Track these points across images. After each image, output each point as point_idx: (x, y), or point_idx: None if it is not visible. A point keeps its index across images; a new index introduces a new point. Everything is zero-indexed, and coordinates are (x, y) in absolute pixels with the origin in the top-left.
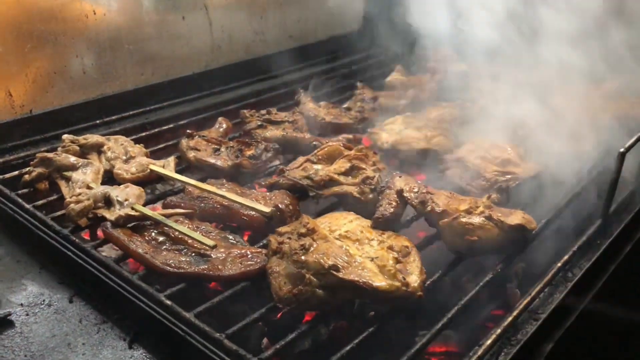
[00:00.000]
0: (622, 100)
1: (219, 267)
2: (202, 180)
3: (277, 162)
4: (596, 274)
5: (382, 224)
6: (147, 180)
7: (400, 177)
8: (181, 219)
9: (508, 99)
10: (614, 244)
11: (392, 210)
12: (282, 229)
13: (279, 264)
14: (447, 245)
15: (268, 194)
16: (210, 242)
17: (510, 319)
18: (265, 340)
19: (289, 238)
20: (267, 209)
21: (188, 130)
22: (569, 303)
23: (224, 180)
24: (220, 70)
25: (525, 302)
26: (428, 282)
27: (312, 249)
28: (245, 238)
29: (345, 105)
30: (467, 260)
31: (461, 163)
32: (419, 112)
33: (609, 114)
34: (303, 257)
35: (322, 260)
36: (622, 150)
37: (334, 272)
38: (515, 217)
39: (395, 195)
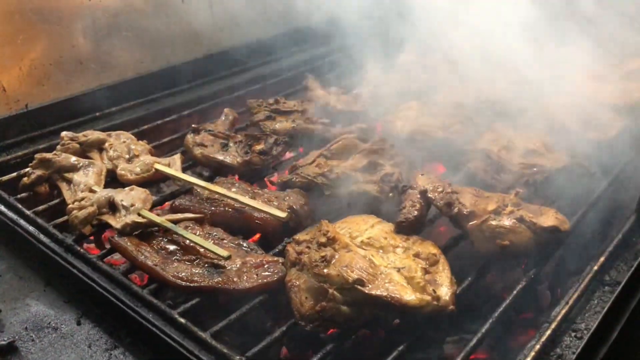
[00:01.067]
0: None
1: (235, 279)
2: (211, 178)
3: (289, 156)
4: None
5: (407, 229)
6: (153, 180)
7: (422, 174)
8: (191, 224)
9: (531, 81)
10: None
11: (416, 213)
12: (299, 237)
13: (299, 277)
14: (476, 248)
15: (281, 193)
16: (224, 253)
17: (548, 332)
18: (283, 350)
19: (308, 247)
20: (282, 214)
21: (193, 125)
22: (612, 313)
23: (235, 179)
24: (223, 54)
25: (563, 312)
26: (458, 290)
27: (333, 260)
28: (255, 240)
29: (355, 91)
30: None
31: (484, 154)
32: (435, 94)
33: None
34: (325, 270)
35: (345, 274)
36: None
37: (360, 287)
38: (548, 218)
39: (419, 196)
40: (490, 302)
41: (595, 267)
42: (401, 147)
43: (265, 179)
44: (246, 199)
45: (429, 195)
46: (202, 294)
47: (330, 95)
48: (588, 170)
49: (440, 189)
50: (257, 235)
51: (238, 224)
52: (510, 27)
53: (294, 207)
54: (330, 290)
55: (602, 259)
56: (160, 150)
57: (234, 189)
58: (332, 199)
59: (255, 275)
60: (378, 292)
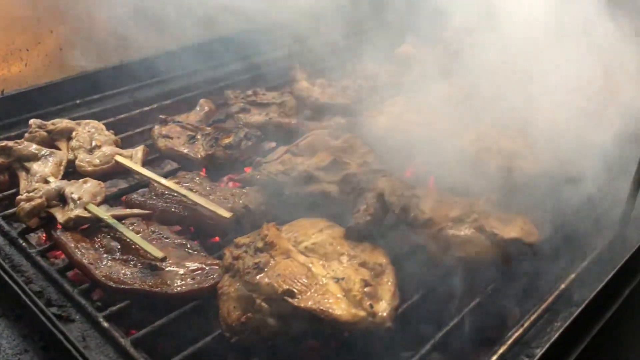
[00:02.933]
0: None
1: (168, 282)
2: (174, 172)
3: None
4: (608, 299)
5: (357, 235)
6: (114, 172)
7: (384, 176)
8: (137, 221)
9: (524, 78)
10: (634, 259)
11: (368, 218)
12: (240, 240)
13: (231, 283)
14: (433, 259)
15: (240, 190)
16: (159, 254)
17: (495, 358)
18: None
19: (246, 252)
20: (227, 214)
21: (161, 116)
22: (570, 336)
23: (196, 174)
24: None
25: (516, 335)
26: (405, 306)
27: (267, 267)
28: (217, 241)
29: (343, 84)
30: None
31: (462, 154)
32: (426, 90)
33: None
34: (256, 278)
35: (276, 284)
36: None
37: (288, 299)
38: (512, 229)
39: (375, 200)
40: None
41: (563, 286)
42: (379, 145)
43: (228, 176)
44: (195, 196)
45: (386, 198)
46: (136, 296)
47: (314, 88)
48: (574, 176)
49: (399, 192)
50: (217, 238)
51: (190, 223)
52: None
53: (250, 206)
54: (258, 301)
55: (572, 275)
56: (128, 143)
57: (192, 185)
58: (293, 198)
59: (191, 280)
60: (307, 305)
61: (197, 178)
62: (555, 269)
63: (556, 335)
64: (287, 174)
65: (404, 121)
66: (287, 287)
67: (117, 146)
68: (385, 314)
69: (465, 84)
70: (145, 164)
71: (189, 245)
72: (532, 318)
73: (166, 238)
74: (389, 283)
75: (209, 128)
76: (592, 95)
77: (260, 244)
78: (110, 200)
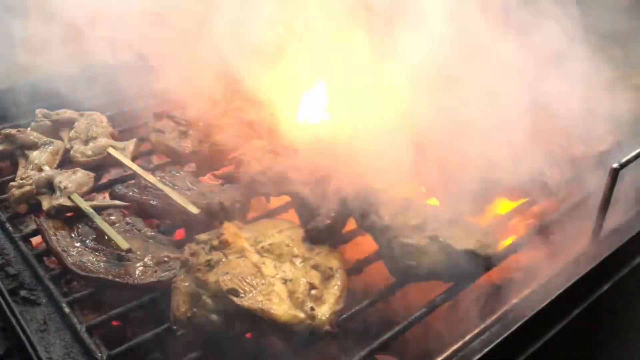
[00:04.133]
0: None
1: (130, 273)
2: (164, 166)
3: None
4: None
5: (316, 237)
6: (107, 164)
7: (352, 180)
8: (116, 212)
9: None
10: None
11: (328, 222)
12: (200, 237)
13: (184, 278)
14: (387, 268)
15: (219, 187)
16: (125, 245)
17: None
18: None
19: (203, 249)
20: (195, 210)
21: (156, 110)
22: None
23: (182, 169)
24: None
25: (454, 347)
26: (351, 312)
27: (218, 266)
28: None
29: None
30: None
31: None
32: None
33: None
34: (205, 275)
35: (222, 282)
36: (615, 165)
37: (232, 297)
38: (468, 240)
39: (337, 203)
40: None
41: (515, 300)
42: (368, 147)
43: (211, 172)
44: (169, 190)
45: (349, 203)
46: (98, 285)
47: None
48: (549, 189)
49: (362, 198)
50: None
51: (166, 217)
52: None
53: (225, 203)
54: (204, 297)
55: (507, 306)
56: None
57: (174, 179)
58: (267, 198)
59: (153, 272)
60: (248, 304)
61: (183, 172)
62: (515, 284)
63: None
64: (264, 174)
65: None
66: (232, 285)
67: (114, 138)
68: (324, 318)
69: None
70: (139, 157)
71: (159, 238)
72: (475, 332)
73: (139, 230)
74: (336, 287)
75: (201, 124)
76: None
77: (215, 242)
78: (97, 191)
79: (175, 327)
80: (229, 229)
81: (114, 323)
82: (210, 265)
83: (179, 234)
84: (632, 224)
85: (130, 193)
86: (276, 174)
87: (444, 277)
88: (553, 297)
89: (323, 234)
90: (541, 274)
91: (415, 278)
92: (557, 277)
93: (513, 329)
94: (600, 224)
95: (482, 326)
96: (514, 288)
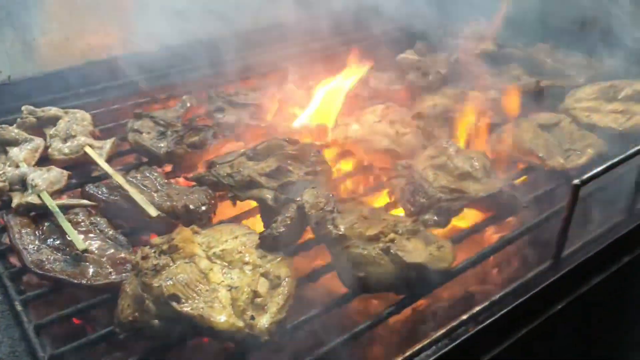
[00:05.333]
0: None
1: (84, 273)
2: (138, 166)
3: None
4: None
5: (270, 245)
6: (84, 162)
7: (313, 187)
8: (83, 212)
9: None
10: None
11: (282, 229)
12: (154, 240)
13: (132, 282)
14: (339, 278)
15: (187, 189)
16: (81, 245)
17: None
18: None
19: (154, 252)
20: (154, 212)
21: (136, 110)
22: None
23: (155, 170)
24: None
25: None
26: (296, 322)
27: (164, 270)
28: None
29: None
30: None
31: (410, 171)
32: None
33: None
34: (150, 280)
35: (164, 287)
36: (576, 182)
37: (173, 303)
38: (419, 254)
39: (294, 210)
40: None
41: (443, 330)
42: (337, 154)
43: (183, 174)
44: (133, 191)
45: (306, 211)
46: (53, 284)
47: (298, 90)
48: (519, 203)
49: (321, 206)
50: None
51: (132, 218)
52: None
53: (190, 206)
54: (147, 302)
55: (463, 317)
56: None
57: (145, 180)
58: (233, 202)
59: (105, 273)
60: (188, 310)
61: (155, 174)
62: (468, 299)
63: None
64: (232, 177)
65: (372, 131)
66: (174, 291)
67: (94, 137)
68: (263, 327)
69: (451, 95)
70: (117, 156)
71: (120, 240)
72: (419, 346)
73: (101, 231)
74: (280, 296)
75: (179, 125)
76: None
77: (165, 247)
78: (71, 190)
79: (117, 330)
80: (181, 234)
81: (76, 321)
82: (156, 270)
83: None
84: (594, 243)
85: (99, 193)
86: (243, 178)
87: (396, 290)
88: (496, 316)
89: (277, 242)
90: (496, 291)
91: (367, 289)
92: (508, 296)
93: (458, 341)
94: (562, 241)
95: (427, 341)
96: (466, 303)
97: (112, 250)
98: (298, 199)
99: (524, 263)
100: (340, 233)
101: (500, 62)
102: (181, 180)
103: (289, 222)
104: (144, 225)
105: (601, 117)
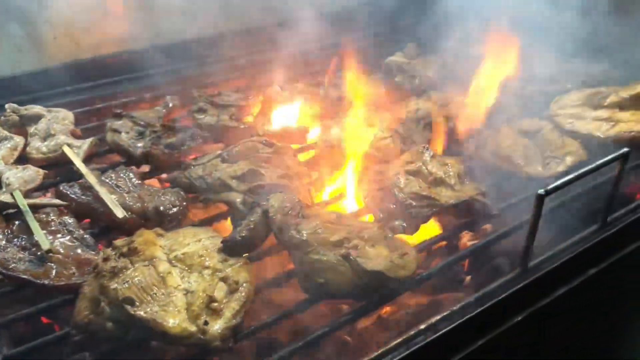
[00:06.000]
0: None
1: (48, 274)
2: (115, 166)
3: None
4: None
5: (232, 249)
6: (62, 162)
7: (281, 191)
8: (54, 211)
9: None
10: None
11: (244, 234)
12: (116, 242)
13: (91, 283)
14: (299, 284)
15: (159, 191)
16: (46, 245)
17: None
18: None
19: (115, 255)
20: (120, 214)
21: (116, 109)
22: None
23: (131, 170)
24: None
25: None
26: (252, 328)
27: (122, 273)
28: None
29: (321, 90)
30: None
31: (382, 177)
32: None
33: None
34: (108, 282)
35: (120, 290)
36: (540, 192)
37: (127, 306)
38: (379, 261)
39: (258, 215)
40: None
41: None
42: (318, 158)
43: (157, 176)
44: (103, 192)
45: (270, 215)
46: (18, 284)
47: (282, 92)
48: (490, 211)
49: (286, 210)
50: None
51: (102, 218)
52: None
53: (160, 208)
54: (102, 304)
55: (421, 326)
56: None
57: (119, 181)
58: (204, 204)
59: (71, 274)
60: (141, 314)
61: (131, 174)
62: (429, 308)
63: None
64: (204, 179)
65: (352, 135)
66: (129, 294)
67: (75, 137)
68: (216, 333)
69: (437, 99)
70: (100, 155)
71: (87, 241)
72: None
73: (69, 231)
74: (236, 302)
75: (158, 125)
76: None
77: (125, 249)
78: (46, 188)
79: (73, 332)
80: (142, 236)
81: (44, 321)
82: (114, 272)
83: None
84: (560, 252)
85: (72, 193)
86: (214, 181)
87: (356, 297)
88: (455, 324)
89: (239, 246)
90: (458, 300)
91: (327, 296)
92: (470, 305)
93: (413, 349)
94: (528, 251)
95: (383, 349)
96: (426, 313)
97: (79, 251)
98: (264, 203)
99: (496, 272)
100: (303, 239)
101: None
102: (154, 181)
103: (252, 226)
104: (114, 226)
105: (584, 124)
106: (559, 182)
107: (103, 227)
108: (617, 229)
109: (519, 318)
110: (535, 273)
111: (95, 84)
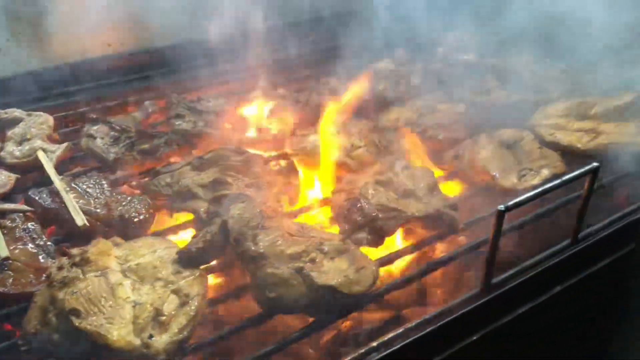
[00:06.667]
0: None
1: (4, 281)
2: (88, 171)
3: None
4: None
5: (188, 260)
6: (37, 166)
7: (243, 201)
8: (19, 217)
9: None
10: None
11: (200, 245)
12: (72, 251)
13: (42, 293)
14: (253, 297)
15: (127, 198)
16: (4, 252)
17: None
18: None
19: (69, 264)
20: (80, 221)
21: (93, 115)
22: None
23: (103, 176)
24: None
25: None
26: (199, 343)
27: (72, 283)
28: None
29: (302, 97)
30: None
31: (351, 187)
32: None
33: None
34: (57, 292)
35: (67, 301)
36: (501, 208)
37: (72, 317)
38: (333, 275)
39: (217, 226)
40: None
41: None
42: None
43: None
44: (66, 198)
45: (229, 227)
46: None
47: (262, 98)
48: (456, 225)
49: (246, 221)
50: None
51: (67, 225)
52: None
53: (125, 215)
54: (50, 315)
55: (373, 343)
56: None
57: (89, 187)
58: (172, 213)
59: (28, 283)
60: (85, 326)
61: (103, 181)
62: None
63: None
64: (171, 187)
65: (330, 143)
66: (76, 305)
67: (52, 141)
68: (160, 347)
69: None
70: (78, 160)
71: (48, 248)
72: None
73: (32, 238)
74: (184, 316)
75: (134, 131)
76: None
77: (78, 259)
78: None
79: (20, 342)
80: (96, 246)
81: (7, 327)
82: (64, 282)
83: None
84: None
85: (40, 199)
86: (181, 189)
87: (309, 311)
88: (407, 341)
89: (194, 258)
90: (414, 317)
91: (282, 310)
92: (426, 322)
93: None
94: (490, 268)
95: None
96: (379, 330)
97: (39, 259)
98: (225, 214)
99: (459, 288)
100: (259, 251)
101: (482, 72)
102: (126, 188)
103: (208, 237)
104: (77, 234)
105: (565, 136)
106: (520, 198)
107: (67, 234)
108: (585, 245)
109: (477, 336)
110: (498, 289)
111: (81, 87)
